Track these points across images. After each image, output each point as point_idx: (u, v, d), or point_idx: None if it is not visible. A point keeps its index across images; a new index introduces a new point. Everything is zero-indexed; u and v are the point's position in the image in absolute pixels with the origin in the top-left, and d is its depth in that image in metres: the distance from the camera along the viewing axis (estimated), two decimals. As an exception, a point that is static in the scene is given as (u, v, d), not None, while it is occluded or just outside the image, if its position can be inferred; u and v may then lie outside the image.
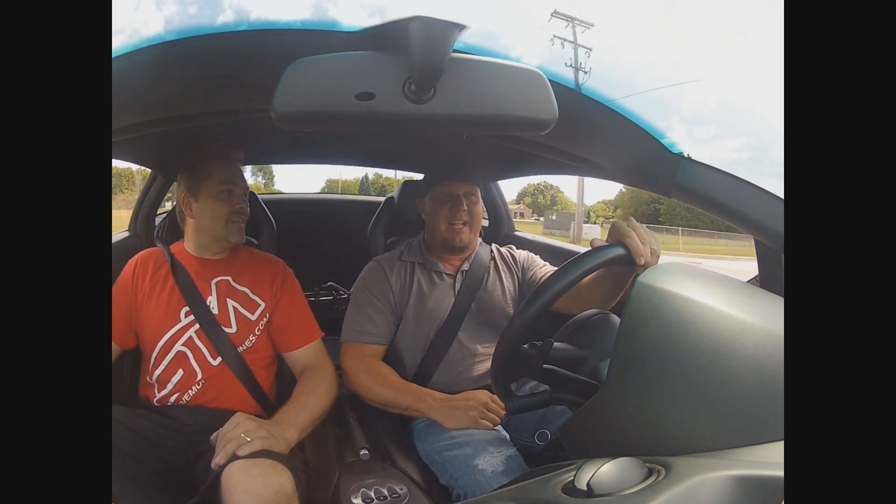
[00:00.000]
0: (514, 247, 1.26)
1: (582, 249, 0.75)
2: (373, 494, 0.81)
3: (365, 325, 1.10)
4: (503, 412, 0.98)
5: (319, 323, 1.12)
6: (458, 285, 1.14)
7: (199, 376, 1.01)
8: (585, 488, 0.40)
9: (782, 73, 0.40)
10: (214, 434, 0.86)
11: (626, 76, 0.60)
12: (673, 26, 0.63)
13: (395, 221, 1.47)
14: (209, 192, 1.04)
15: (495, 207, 1.81)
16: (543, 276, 1.16)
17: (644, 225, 0.74)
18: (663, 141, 0.58)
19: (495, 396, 0.98)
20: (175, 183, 1.57)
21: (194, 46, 0.49)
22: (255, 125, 1.09)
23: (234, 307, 1.05)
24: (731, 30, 0.64)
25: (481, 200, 1.18)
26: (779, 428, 0.41)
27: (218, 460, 0.81)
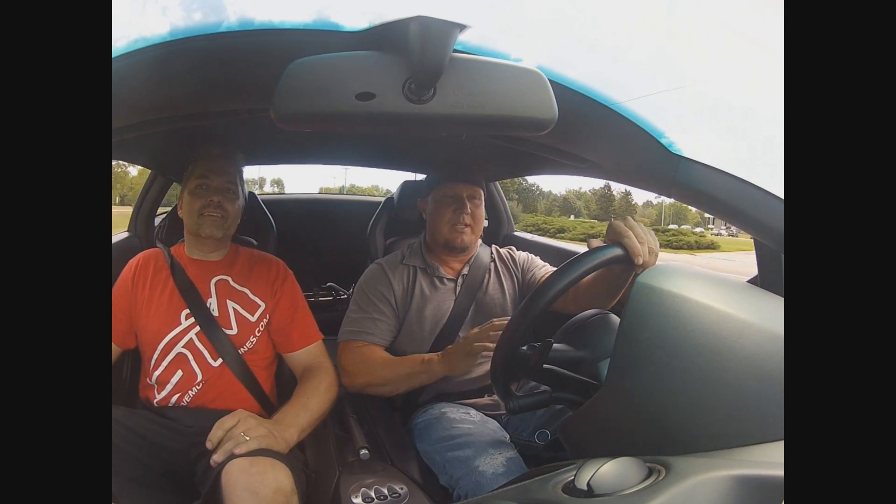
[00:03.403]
0: (514, 248, 1.26)
1: (581, 250, 0.75)
2: (373, 494, 0.81)
3: (365, 325, 1.10)
4: (492, 333, 0.91)
5: (319, 323, 1.11)
6: (458, 289, 1.14)
7: (199, 377, 1.01)
8: (585, 488, 0.40)
9: (782, 73, 0.40)
10: (218, 423, 0.86)
11: (625, 77, 0.60)
12: (672, 27, 0.63)
13: (394, 222, 1.46)
14: (188, 189, 1.05)
15: (495, 207, 1.81)
16: (543, 276, 1.16)
17: (641, 223, 0.74)
18: (663, 140, 0.58)
19: (483, 327, 0.94)
20: (175, 183, 1.58)
21: (195, 46, 0.49)
22: (256, 125, 1.09)
23: (234, 308, 1.05)
24: (731, 31, 0.64)
25: (484, 203, 1.17)
26: (779, 428, 0.41)
27: (216, 458, 0.81)
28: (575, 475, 0.42)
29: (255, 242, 1.32)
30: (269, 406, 1.07)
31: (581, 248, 0.88)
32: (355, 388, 1.07)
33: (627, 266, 0.72)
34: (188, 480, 0.93)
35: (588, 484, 0.40)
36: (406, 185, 1.46)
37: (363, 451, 0.92)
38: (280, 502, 0.77)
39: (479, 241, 1.21)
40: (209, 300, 1.04)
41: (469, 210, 1.12)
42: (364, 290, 1.13)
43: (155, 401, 1.02)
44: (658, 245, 0.74)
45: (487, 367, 0.78)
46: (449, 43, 0.44)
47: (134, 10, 0.48)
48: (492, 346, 0.89)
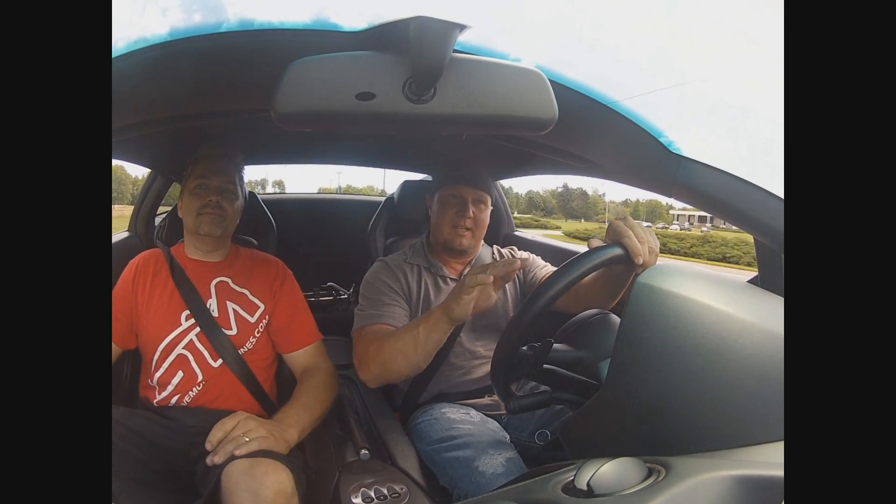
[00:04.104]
0: (515, 248, 1.26)
1: (582, 249, 0.75)
2: (373, 494, 0.81)
3: (375, 310, 1.04)
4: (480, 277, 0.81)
5: (319, 323, 1.11)
6: None
7: (200, 378, 1.01)
8: (585, 488, 0.40)
9: (782, 73, 0.40)
10: (218, 424, 0.85)
11: (625, 77, 0.60)
12: (672, 27, 0.63)
13: (394, 221, 1.46)
14: (188, 189, 1.06)
15: (495, 207, 1.81)
16: (543, 276, 1.16)
17: (641, 223, 0.74)
18: (663, 140, 0.58)
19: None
20: (175, 183, 1.58)
21: (195, 46, 0.49)
22: (256, 125, 1.09)
23: (233, 309, 1.05)
24: (731, 31, 0.64)
25: (490, 208, 1.16)
26: (779, 428, 0.41)
27: (216, 459, 0.81)
28: (575, 475, 0.42)
29: (255, 242, 1.32)
30: (269, 406, 1.07)
31: (581, 249, 0.88)
32: (374, 378, 0.96)
33: (628, 266, 0.72)
34: (188, 480, 0.93)
35: (588, 484, 0.40)
36: (406, 185, 1.46)
37: (363, 451, 0.92)
38: (281, 503, 0.77)
39: (482, 242, 1.21)
40: (209, 301, 1.04)
41: (472, 214, 1.11)
42: (370, 282, 1.11)
43: (155, 401, 1.02)
44: (658, 245, 0.74)
45: (487, 367, 0.78)
46: (449, 43, 0.44)
47: (134, 11, 0.48)
48: (487, 278, 0.80)
